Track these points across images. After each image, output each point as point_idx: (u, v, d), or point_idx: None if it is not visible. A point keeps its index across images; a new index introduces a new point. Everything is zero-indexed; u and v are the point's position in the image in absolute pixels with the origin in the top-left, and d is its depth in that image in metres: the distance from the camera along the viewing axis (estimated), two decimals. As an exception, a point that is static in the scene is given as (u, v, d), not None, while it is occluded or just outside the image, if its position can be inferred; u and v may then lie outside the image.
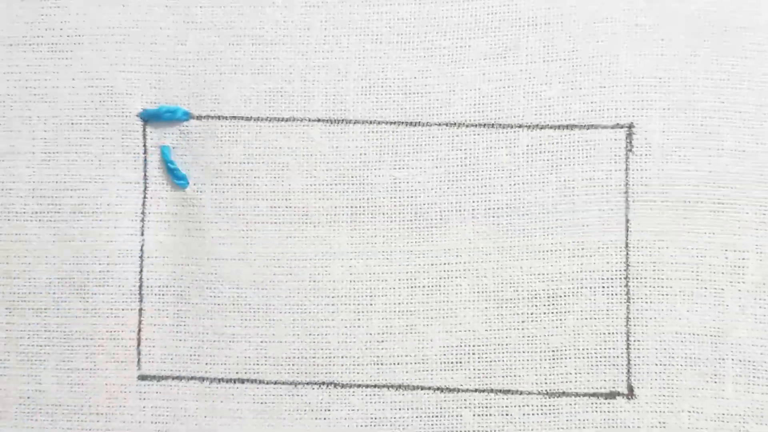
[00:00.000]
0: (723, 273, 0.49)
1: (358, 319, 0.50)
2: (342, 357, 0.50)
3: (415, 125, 0.51)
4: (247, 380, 0.50)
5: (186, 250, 0.51)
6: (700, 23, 0.51)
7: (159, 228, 0.51)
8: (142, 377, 0.50)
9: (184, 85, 0.52)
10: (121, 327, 0.51)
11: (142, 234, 0.51)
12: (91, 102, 0.52)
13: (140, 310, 0.51)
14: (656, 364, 0.49)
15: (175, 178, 0.51)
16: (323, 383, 0.50)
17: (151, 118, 0.52)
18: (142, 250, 0.51)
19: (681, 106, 0.50)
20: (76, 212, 0.51)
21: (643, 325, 0.49)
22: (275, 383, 0.50)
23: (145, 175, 0.51)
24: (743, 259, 0.49)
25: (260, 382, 0.50)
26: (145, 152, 0.51)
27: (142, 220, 0.51)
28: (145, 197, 0.51)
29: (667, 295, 0.49)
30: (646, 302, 0.49)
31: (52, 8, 0.52)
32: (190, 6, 0.52)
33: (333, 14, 0.52)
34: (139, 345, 0.51)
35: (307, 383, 0.50)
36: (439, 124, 0.51)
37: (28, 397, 0.50)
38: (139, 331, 0.51)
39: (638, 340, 0.49)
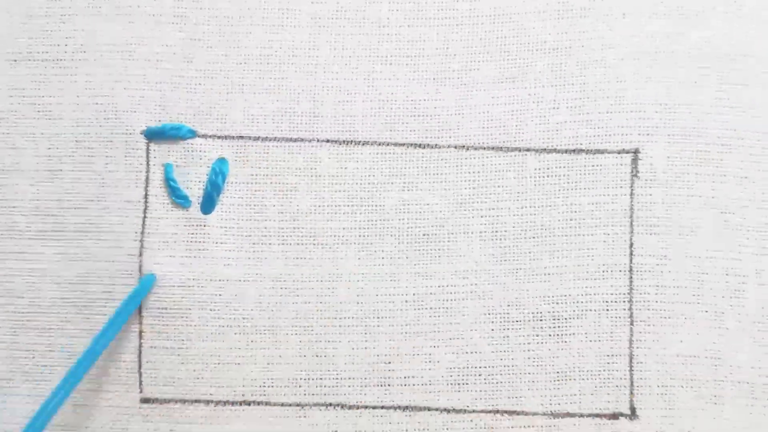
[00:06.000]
0: (723, 297, 0.50)
1: (365, 341, 0.50)
2: (349, 378, 0.50)
3: (424, 147, 0.51)
4: (254, 402, 0.50)
5: (188, 270, 0.50)
6: (705, 51, 0.51)
7: (158, 248, 0.51)
8: (145, 400, 0.50)
9: (190, 103, 0.51)
10: (122, 349, 0.50)
11: (141, 254, 0.51)
12: (95, 119, 0.51)
13: (140, 332, 0.50)
14: (658, 386, 0.49)
15: (176, 197, 0.51)
16: (330, 405, 0.50)
17: (154, 135, 0.51)
18: (140, 270, 0.50)
19: (685, 132, 0.50)
20: (80, 231, 0.51)
21: (645, 348, 0.50)
22: (282, 405, 0.50)
23: (146, 194, 0.51)
24: (743, 283, 0.50)
25: (267, 404, 0.50)
26: (147, 170, 0.51)
27: (141, 240, 0.51)
28: (145, 216, 0.51)
29: (669, 318, 0.50)
30: (649, 325, 0.50)
31: (56, 23, 0.51)
32: (198, 23, 0.52)
33: (342, 35, 0.51)
34: (140, 367, 0.50)
35: (315, 405, 0.50)
36: (448, 147, 0.51)
37: (31, 418, 0.50)
38: (140, 353, 0.50)
39: (641, 362, 0.50)
